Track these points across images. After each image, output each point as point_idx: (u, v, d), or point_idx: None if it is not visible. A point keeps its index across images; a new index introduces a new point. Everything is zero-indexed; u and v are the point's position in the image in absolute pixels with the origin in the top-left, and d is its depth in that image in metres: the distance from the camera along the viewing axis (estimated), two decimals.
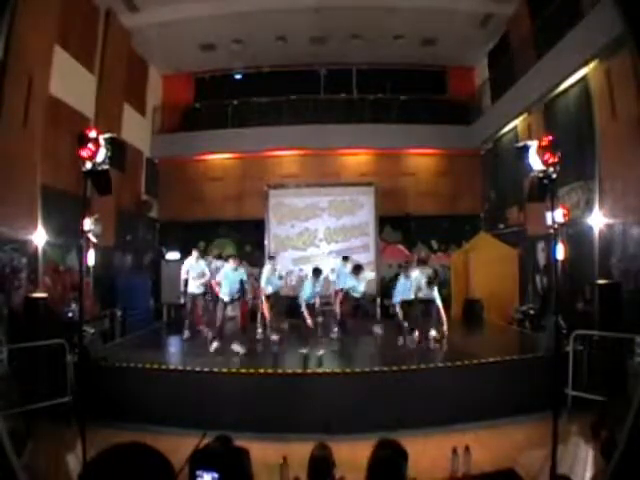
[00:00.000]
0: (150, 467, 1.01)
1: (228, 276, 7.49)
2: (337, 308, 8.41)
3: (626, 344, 5.56)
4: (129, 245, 11.03)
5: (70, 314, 7.33)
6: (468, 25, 10.85)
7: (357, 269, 8.17)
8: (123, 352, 7.19)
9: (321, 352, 6.87)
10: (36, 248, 7.13)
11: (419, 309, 7.69)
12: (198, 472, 1.53)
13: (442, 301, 7.75)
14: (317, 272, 7.89)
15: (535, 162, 4.35)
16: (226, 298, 7.43)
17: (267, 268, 8.09)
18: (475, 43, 11.84)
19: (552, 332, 5.81)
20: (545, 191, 4.54)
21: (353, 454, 4.66)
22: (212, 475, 1.52)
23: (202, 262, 8.65)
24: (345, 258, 8.86)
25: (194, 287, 8.49)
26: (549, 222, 5.87)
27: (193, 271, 8.47)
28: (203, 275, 8.48)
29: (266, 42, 11.60)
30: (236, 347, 7.00)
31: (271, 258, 8.64)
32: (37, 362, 5.78)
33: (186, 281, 8.64)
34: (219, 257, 9.27)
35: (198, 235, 12.13)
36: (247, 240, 11.84)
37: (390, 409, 5.60)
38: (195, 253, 8.61)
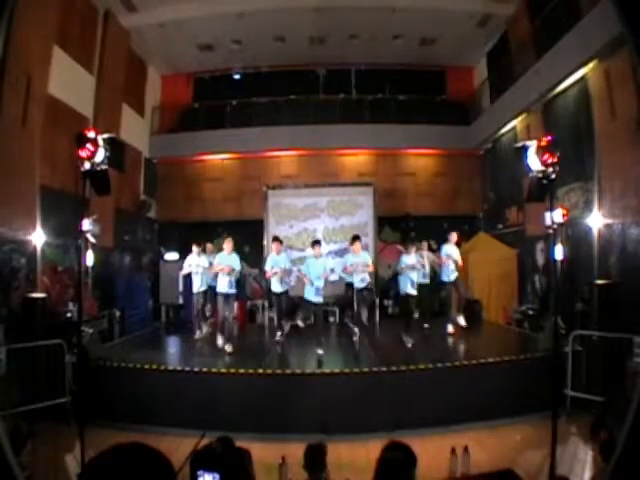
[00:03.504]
0: (150, 467, 1.01)
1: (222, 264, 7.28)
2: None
3: (625, 344, 5.57)
4: (128, 245, 11.02)
5: (69, 314, 7.32)
6: (467, 25, 10.87)
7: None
8: (122, 352, 7.17)
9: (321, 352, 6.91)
10: (35, 248, 7.12)
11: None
12: (199, 472, 1.53)
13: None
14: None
15: (534, 162, 4.35)
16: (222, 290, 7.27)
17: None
18: (474, 43, 11.84)
19: (551, 332, 5.82)
20: (544, 191, 4.54)
21: (352, 454, 4.69)
22: (213, 475, 1.52)
23: (204, 257, 8.54)
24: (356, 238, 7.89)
25: (196, 286, 8.43)
26: (548, 222, 5.86)
27: (196, 267, 8.37)
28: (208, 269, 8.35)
29: (265, 42, 11.60)
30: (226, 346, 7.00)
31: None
32: (36, 362, 5.77)
33: (188, 280, 8.60)
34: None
35: (197, 235, 12.09)
36: (246, 240, 11.82)
37: (389, 409, 5.60)
38: (195, 249, 8.48)
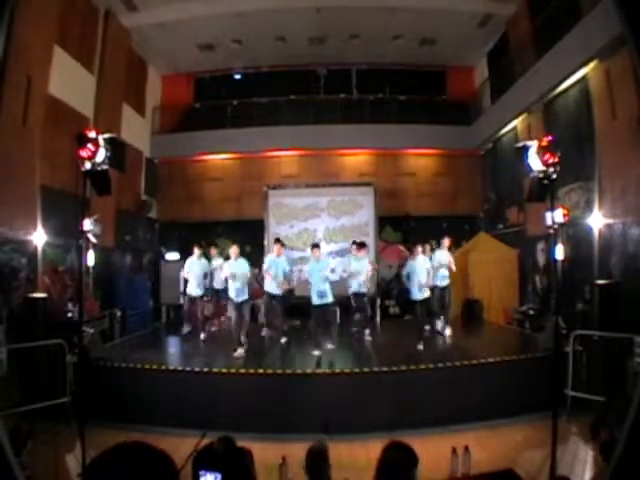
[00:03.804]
0: (153, 466, 1.01)
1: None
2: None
3: (626, 344, 5.56)
4: (129, 245, 11.03)
5: (69, 314, 7.32)
6: (468, 25, 10.86)
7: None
8: (123, 352, 7.18)
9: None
10: (35, 248, 7.12)
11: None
12: (201, 472, 1.53)
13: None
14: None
15: (535, 162, 4.35)
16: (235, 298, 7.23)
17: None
18: (475, 43, 11.84)
19: (552, 332, 5.82)
20: (545, 191, 4.55)
21: (352, 454, 4.69)
22: (215, 475, 1.52)
23: (204, 260, 8.63)
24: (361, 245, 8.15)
25: (193, 289, 8.49)
26: (549, 222, 5.86)
27: (192, 271, 8.47)
28: (205, 275, 8.51)
29: (265, 42, 11.61)
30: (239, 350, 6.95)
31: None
32: (36, 362, 5.77)
33: (186, 281, 8.66)
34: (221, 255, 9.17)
35: (197, 235, 12.11)
36: (246, 240, 11.84)
37: (390, 409, 5.60)
38: (197, 251, 8.55)
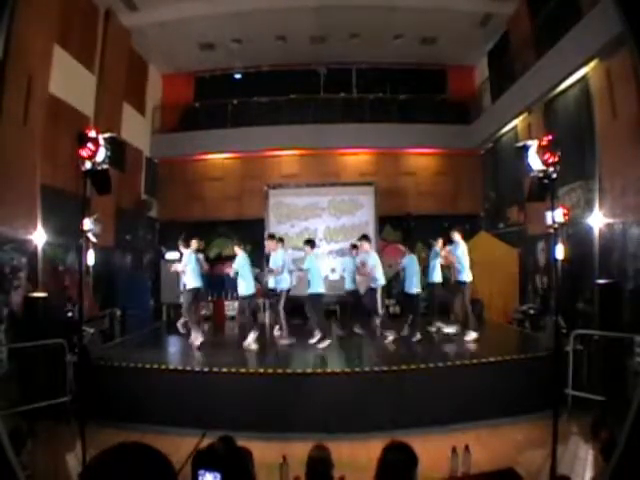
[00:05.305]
0: (150, 467, 1.01)
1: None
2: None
3: (626, 344, 5.56)
4: (129, 245, 11.02)
5: (70, 314, 7.32)
6: (468, 24, 10.85)
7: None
8: (123, 352, 7.18)
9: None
10: (36, 248, 7.13)
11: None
12: (200, 472, 1.53)
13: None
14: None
15: (535, 162, 4.34)
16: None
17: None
18: (475, 42, 11.83)
19: (552, 332, 5.82)
20: (545, 191, 4.54)
21: (352, 453, 4.69)
22: (214, 475, 1.52)
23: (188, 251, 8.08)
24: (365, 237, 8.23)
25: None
26: (549, 222, 5.87)
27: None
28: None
29: (266, 42, 11.59)
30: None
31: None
32: (37, 362, 5.77)
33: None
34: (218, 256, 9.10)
35: (198, 235, 12.07)
36: (247, 240, 11.82)
37: (390, 409, 5.60)
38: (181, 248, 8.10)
